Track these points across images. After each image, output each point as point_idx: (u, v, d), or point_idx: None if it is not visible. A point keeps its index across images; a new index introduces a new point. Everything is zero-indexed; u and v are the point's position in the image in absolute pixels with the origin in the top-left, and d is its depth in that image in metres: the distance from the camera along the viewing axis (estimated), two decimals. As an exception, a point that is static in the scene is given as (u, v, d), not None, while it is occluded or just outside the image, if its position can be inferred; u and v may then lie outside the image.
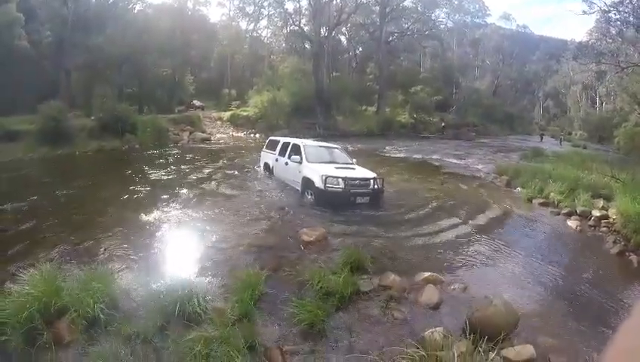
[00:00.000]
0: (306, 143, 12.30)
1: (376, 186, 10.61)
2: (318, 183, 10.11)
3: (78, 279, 4.88)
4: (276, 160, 13.05)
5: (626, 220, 9.26)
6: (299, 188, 11.16)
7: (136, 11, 36.39)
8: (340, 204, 10.02)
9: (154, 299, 4.76)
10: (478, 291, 5.98)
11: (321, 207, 9.90)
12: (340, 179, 10.07)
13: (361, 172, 11.12)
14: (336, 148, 13.14)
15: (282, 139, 13.49)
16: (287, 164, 12.04)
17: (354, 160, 12.41)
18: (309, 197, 10.55)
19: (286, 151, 12.37)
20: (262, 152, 14.74)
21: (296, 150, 11.78)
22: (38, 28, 27.82)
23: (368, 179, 10.64)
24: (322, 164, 11.04)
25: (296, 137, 15.05)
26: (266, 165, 14.01)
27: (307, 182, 10.69)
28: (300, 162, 11.16)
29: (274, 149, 13.40)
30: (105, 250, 6.70)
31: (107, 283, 4.80)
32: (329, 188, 9.96)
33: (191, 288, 4.87)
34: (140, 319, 4.47)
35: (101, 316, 4.31)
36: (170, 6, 40.55)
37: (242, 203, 10.65)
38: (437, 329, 4.54)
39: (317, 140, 15.34)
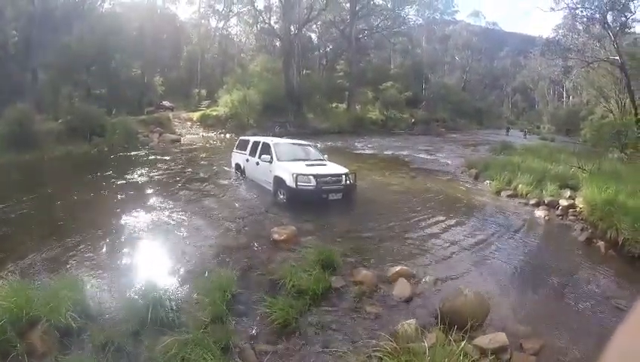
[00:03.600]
0: (275, 142, 12.19)
1: (348, 182, 10.57)
2: (290, 182, 10.02)
3: (48, 288, 4.82)
4: (247, 160, 12.90)
5: (593, 208, 9.52)
6: (271, 188, 11.02)
7: (104, 10, 35.60)
8: (312, 201, 9.99)
9: (126, 304, 4.76)
10: (448, 283, 6.16)
11: (293, 206, 9.85)
12: (311, 177, 10.01)
13: (332, 168, 11.07)
14: (307, 145, 13.07)
15: (252, 139, 13.39)
16: (257, 163, 11.91)
17: (325, 156, 12.32)
18: (281, 196, 10.46)
19: (256, 150, 12.23)
20: (233, 153, 14.54)
21: (266, 149, 11.62)
22: (3, 27, 26.88)
23: (340, 175, 10.58)
24: (293, 162, 10.94)
25: (267, 136, 15.08)
26: (237, 166, 13.85)
27: (279, 182, 10.57)
28: (271, 161, 11.03)
29: (244, 149, 13.27)
30: (75, 256, 6.61)
31: (78, 291, 4.76)
32: (300, 187, 9.89)
33: (163, 292, 4.88)
34: (113, 326, 4.45)
35: (73, 325, 4.27)
36: (139, 4, 39.80)
37: (212, 204, 10.61)
38: (409, 321, 4.63)
39: (288, 138, 15.29)
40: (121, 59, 31.16)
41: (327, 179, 10.34)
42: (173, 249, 7.18)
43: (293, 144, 12.78)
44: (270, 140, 12.33)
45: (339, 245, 7.16)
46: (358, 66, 49.09)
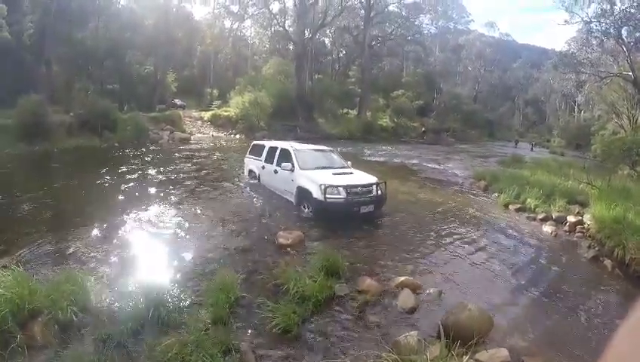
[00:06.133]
0: (296, 148, 11.04)
1: (379, 192, 9.67)
2: (317, 194, 9.04)
3: (51, 281, 4.84)
4: (263, 167, 11.87)
5: (601, 226, 9.43)
6: (292, 200, 10.12)
7: (120, 5, 35.87)
8: (342, 215, 9.03)
9: (128, 302, 4.74)
10: (453, 296, 6.06)
11: (320, 220, 8.97)
12: (340, 188, 9.02)
13: (361, 177, 10.09)
14: (329, 150, 12.03)
15: (268, 144, 12.34)
16: (276, 172, 10.89)
17: (349, 163, 11.43)
18: (307, 210, 9.48)
19: (274, 157, 11.24)
20: (246, 158, 13.36)
21: (286, 156, 10.63)
22: (20, 19, 27.10)
23: (371, 185, 9.64)
24: (317, 170, 10.02)
25: (277, 139, 14.89)
26: (251, 173, 12.72)
27: (303, 193, 9.62)
28: (292, 170, 10.06)
29: (259, 155, 12.20)
30: (79, 251, 6.62)
31: (81, 286, 4.75)
32: (330, 200, 8.90)
33: (165, 291, 4.88)
34: (113, 322, 4.43)
35: (74, 319, 4.28)
36: (155, 1, 40.12)
37: (218, 206, 10.48)
38: (411, 333, 4.59)
39: (300, 142, 14.80)
40: (135, 55, 31.34)
41: (358, 189, 9.38)
42: (178, 248, 7.17)
43: (315, 150, 11.72)
44: (289, 146, 11.21)
45: (345, 252, 7.09)
46: (371, 73, 49.20)
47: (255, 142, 13.81)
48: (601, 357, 0.66)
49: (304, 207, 9.61)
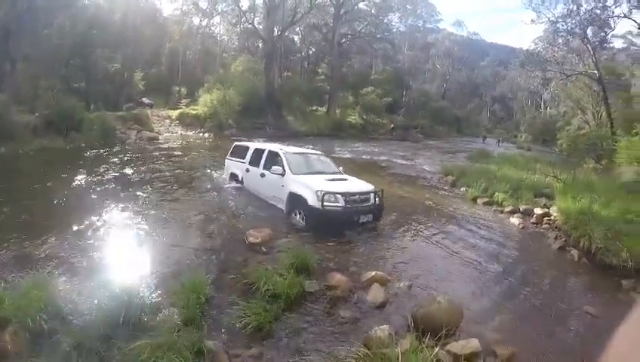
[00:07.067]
0: (286, 150, 10.36)
1: (376, 201, 9.10)
2: (312, 201, 8.38)
3: (19, 288, 4.75)
4: (247, 170, 11.11)
5: (567, 217, 9.79)
6: (281, 206, 9.44)
7: (87, 1, 34.89)
8: (340, 226, 8.47)
9: (98, 306, 4.69)
10: (422, 288, 6.24)
11: (313, 230, 8.37)
12: (338, 195, 8.42)
13: (358, 184, 9.52)
14: (319, 153, 11.52)
15: (253, 145, 11.64)
16: (263, 175, 10.20)
17: (341, 168, 10.83)
18: (298, 218, 8.82)
19: (260, 160, 10.56)
20: (226, 160, 12.58)
21: (274, 159, 10.00)
22: (-18, 15, 26.09)
23: (368, 193, 9.08)
24: (310, 175, 9.37)
25: (247, 137, 14.68)
26: (234, 176, 11.85)
27: (295, 200, 8.93)
28: (283, 174, 9.38)
29: (242, 157, 11.49)
30: (46, 256, 6.45)
31: (49, 291, 4.69)
32: (327, 207, 8.26)
33: (136, 294, 4.85)
34: (84, 328, 4.38)
35: (44, 326, 4.22)
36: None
37: (186, 206, 10.22)
38: (382, 327, 4.67)
39: (267, 141, 14.35)
40: (102, 53, 30.66)
41: (356, 197, 8.79)
42: (148, 250, 7.08)
43: (305, 153, 11.20)
44: (278, 148, 10.50)
45: (314, 249, 7.09)
46: (340, 70, 49.31)
47: (237, 143, 12.97)
48: (601, 356, 0.67)
49: (295, 214, 8.92)
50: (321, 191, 8.34)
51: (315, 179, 9.09)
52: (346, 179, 9.72)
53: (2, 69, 25.91)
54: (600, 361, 0.67)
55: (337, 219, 8.38)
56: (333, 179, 9.30)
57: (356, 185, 9.40)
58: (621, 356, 0.67)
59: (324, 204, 8.22)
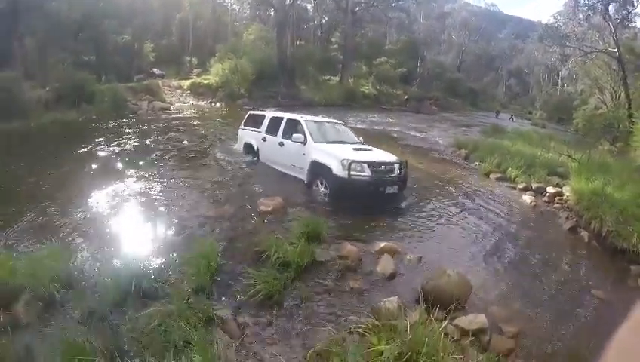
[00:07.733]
0: (305, 118, 10.07)
1: (401, 172, 8.75)
2: (338, 170, 8.04)
3: (32, 258, 4.77)
4: (263, 139, 10.79)
5: (579, 198, 9.63)
6: (302, 177, 9.20)
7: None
8: (366, 196, 8.14)
9: (109, 275, 4.71)
10: (432, 261, 6.18)
11: (336, 201, 8.16)
12: (365, 165, 8.10)
13: (382, 155, 9.15)
14: (339, 123, 11.20)
15: (269, 114, 11.33)
16: (281, 144, 9.94)
17: (361, 138, 10.53)
18: (322, 188, 8.55)
19: (277, 128, 10.27)
20: (240, 130, 12.24)
21: (294, 127, 9.75)
22: (-11, -9, 25.90)
23: (393, 164, 8.74)
24: (334, 144, 9.13)
25: (259, 106, 14.47)
26: (248, 146, 11.53)
27: (318, 169, 8.61)
28: (304, 142, 9.08)
29: (257, 126, 11.17)
30: (59, 226, 6.51)
31: (62, 261, 4.72)
32: (354, 177, 7.96)
33: (146, 262, 4.88)
34: (95, 296, 4.42)
35: (57, 295, 4.26)
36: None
37: (198, 174, 10.24)
38: (391, 298, 4.67)
39: (280, 110, 14.09)
40: (111, 25, 30.42)
41: (382, 168, 8.51)
42: (159, 219, 7.08)
43: (325, 122, 10.77)
44: (299, 116, 10.22)
45: (326, 218, 7.04)
46: (353, 40, 48.37)
47: (252, 112, 12.58)
48: (604, 352, 0.66)
49: (318, 184, 8.66)
50: (347, 159, 8.03)
51: (339, 147, 8.88)
52: (370, 149, 9.41)
53: (11, 44, 25.85)
54: (603, 358, 0.65)
55: (364, 190, 8.05)
56: (358, 149, 9.03)
57: (381, 155, 9.08)
58: (625, 352, 0.65)
59: (351, 173, 7.92)
